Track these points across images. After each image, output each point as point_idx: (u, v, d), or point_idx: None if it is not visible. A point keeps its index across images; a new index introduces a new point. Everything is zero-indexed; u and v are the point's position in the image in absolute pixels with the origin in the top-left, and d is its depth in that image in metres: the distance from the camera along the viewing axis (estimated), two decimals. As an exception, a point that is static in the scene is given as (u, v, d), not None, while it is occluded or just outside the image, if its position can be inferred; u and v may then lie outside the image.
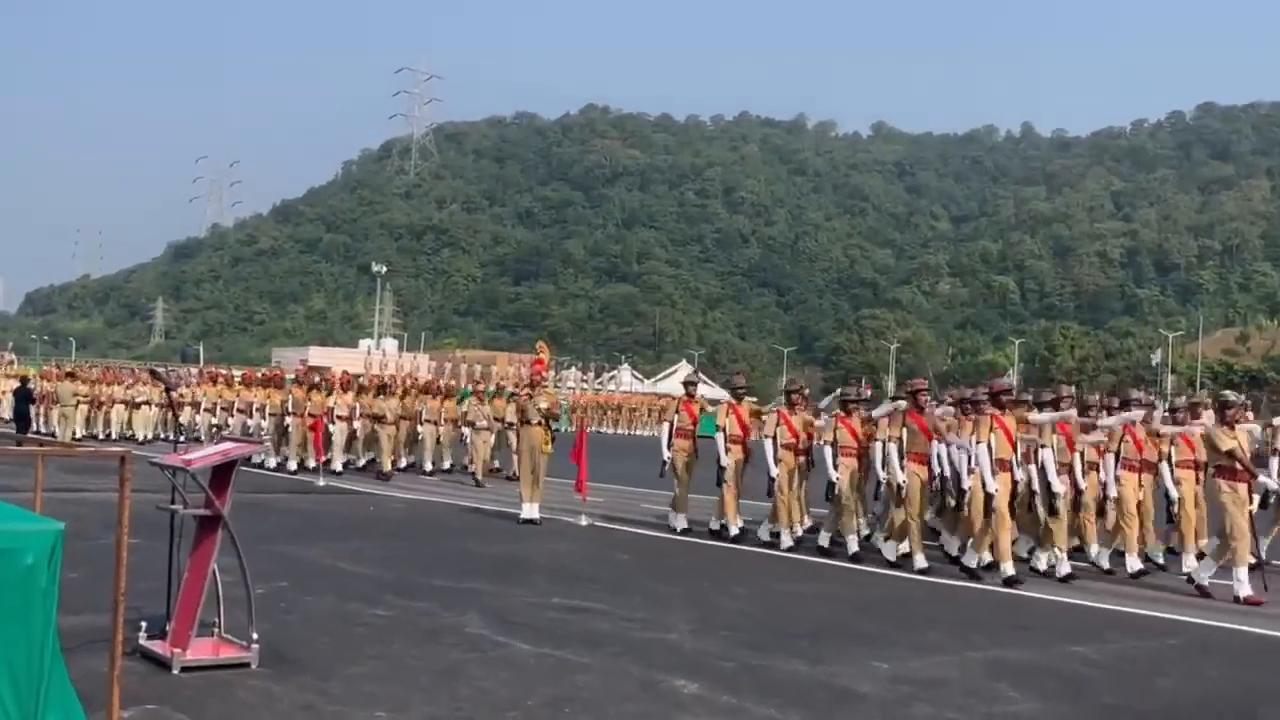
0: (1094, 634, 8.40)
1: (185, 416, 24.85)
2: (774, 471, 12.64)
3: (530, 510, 13.91)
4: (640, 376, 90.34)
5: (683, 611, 8.32)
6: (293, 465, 19.82)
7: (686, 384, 14.82)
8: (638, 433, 57.49)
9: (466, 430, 20.84)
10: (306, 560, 10.06)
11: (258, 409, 21.03)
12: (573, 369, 74.32)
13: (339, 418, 20.17)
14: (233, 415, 21.73)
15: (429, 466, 21.16)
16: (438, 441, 21.42)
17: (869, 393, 13.41)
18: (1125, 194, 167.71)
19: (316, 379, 21.25)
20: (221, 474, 6.14)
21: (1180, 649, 8.18)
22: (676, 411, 14.06)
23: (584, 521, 13.93)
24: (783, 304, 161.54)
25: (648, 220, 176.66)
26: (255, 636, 6.07)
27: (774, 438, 12.70)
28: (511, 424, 18.80)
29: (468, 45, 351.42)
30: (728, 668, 6.65)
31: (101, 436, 27.05)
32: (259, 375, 23.73)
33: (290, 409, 20.04)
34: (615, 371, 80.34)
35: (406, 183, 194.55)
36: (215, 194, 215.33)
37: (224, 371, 27.57)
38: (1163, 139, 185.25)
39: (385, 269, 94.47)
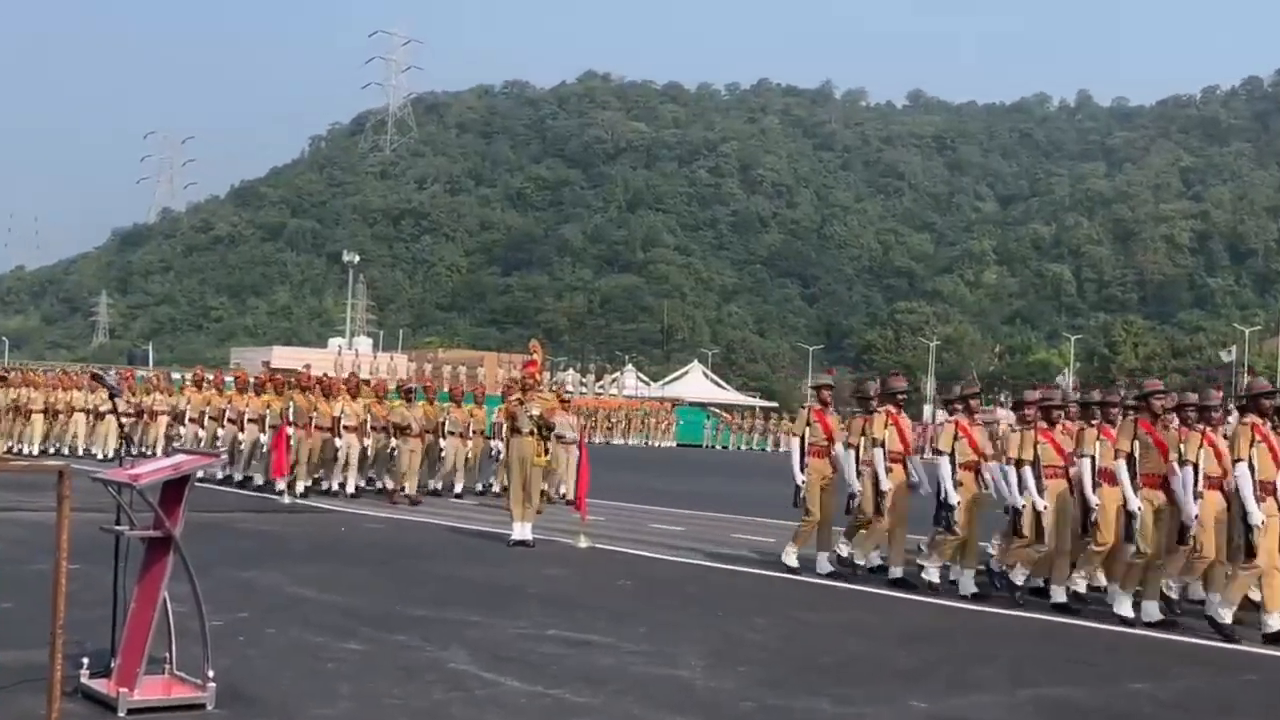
0: (1158, 669, 8.39)
1: (158, 429, 24.81)
2: (856, 487, 12.30)
3: (522, 531, 13.92)
4: (646, 379, 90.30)
5: (694, 644, 8.32)
6: (301, 487, 18.94)
7: (819, 387, 13.48)
8: (654, 443, 57.59)
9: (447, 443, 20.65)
10: (269, 587, 10.06)
11: (252, 419, 20.27)
12: (570, 370, 74.39)
13: (346, 428, 19.16)
14: (223, 426, 20.94)
15: (459, 488, 20.51)
16: (467, 458, 20.69)
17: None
18: (1195, 170, 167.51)
19: (316, 382, 20.46)
20: (173, 491, 6.15)
21: (1258, 686, 8.16)
22: (809, 423, 12.79)
23: (583, 543, 13.93)
24: (807, 296, 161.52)
25: (654, 202, 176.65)
26: (211, 674, 6.08)
27: (882, 445, 12.12)
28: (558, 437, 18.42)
29: (450, 4, 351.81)
30: (745, 708, 6.65)
31: (53, 451, 27.03)
32: (254, 379, 22.50)
33: (292, 418, 19.01)
34: (618, 373, 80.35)
35: (381, 160, 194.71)
36: (165, 174, 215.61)
37: (210, 374, 26.91)
38: (1237, 108, 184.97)
39: (358, 258, 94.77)
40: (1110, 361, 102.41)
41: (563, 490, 19.49)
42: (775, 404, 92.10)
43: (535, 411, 14.34)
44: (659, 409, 63.10)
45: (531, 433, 14.21)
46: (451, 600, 9.79)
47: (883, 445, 12.02)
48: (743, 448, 61.39)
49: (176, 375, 31.81)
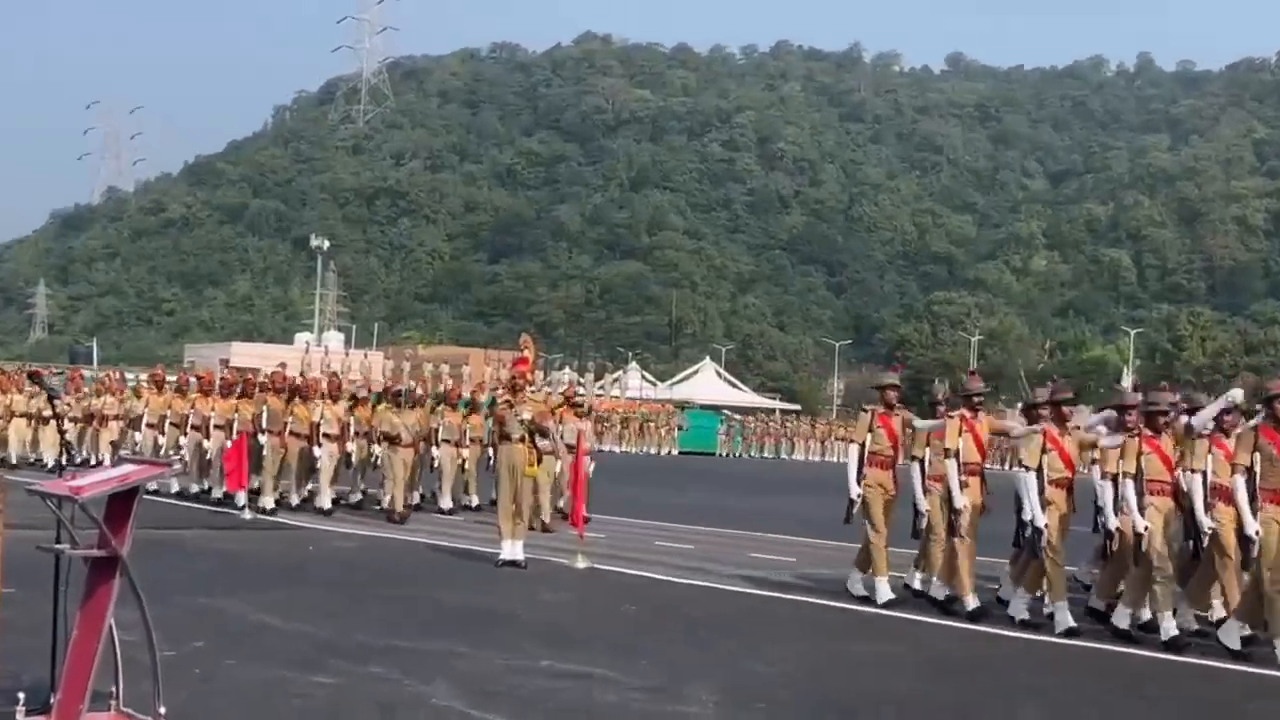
0: (1230, 706, 8.38)
1: (109, 436, 24.78)
2: (923, 505, 12.13)
3: (512, 550, 13.92)
4: (652, 379, 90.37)
5: (705, 678, 8.32)
6: (269, 502, 18.72)
7: (884, 387, 12.88)
8: (652, 450, 57.60)
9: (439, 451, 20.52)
10: (228, 614, 10.08)
11: (219, 425, 19.96)
12: (566, 369, 74.31)
13: (326, 436, 18.91)
14: (185, 433, 20.74)
15: (448, 503, 20.17)
16: (462, 468, 20.49)
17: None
18: (1271, 143, 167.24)
19: (291, 384, 20.09)
20: (120, 505, 6.14)
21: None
22: (870, 429, 12.44)
23: (581, 564, 13.93)
24: (833, 286, 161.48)
25: (661, 180, 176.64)
26: (163, 711, 6.08)
27: (956, 455, 11.87)
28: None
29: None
30: (763, 749, 6.64)
31: None
32: (221, 378, 22.11)
33: (265, 424, 18.84)
34: (620, 373, 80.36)
35: (354, 134, 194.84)
36: (110, 149, 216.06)
37: (173, 374, 26.54)
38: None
39: (327, 243, 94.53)
40: (1174, 358, 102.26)
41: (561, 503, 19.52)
42: (797, 406, 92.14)
43: (526, 415, 14.33)
44: (658, 411, 62.93)
45: (522, 439, 14.22)
46: (433, 628, 9.79)
47: (957, 456, 11.73)
48: (755, 455, 61.37)
49: (130, 376, 31.61)
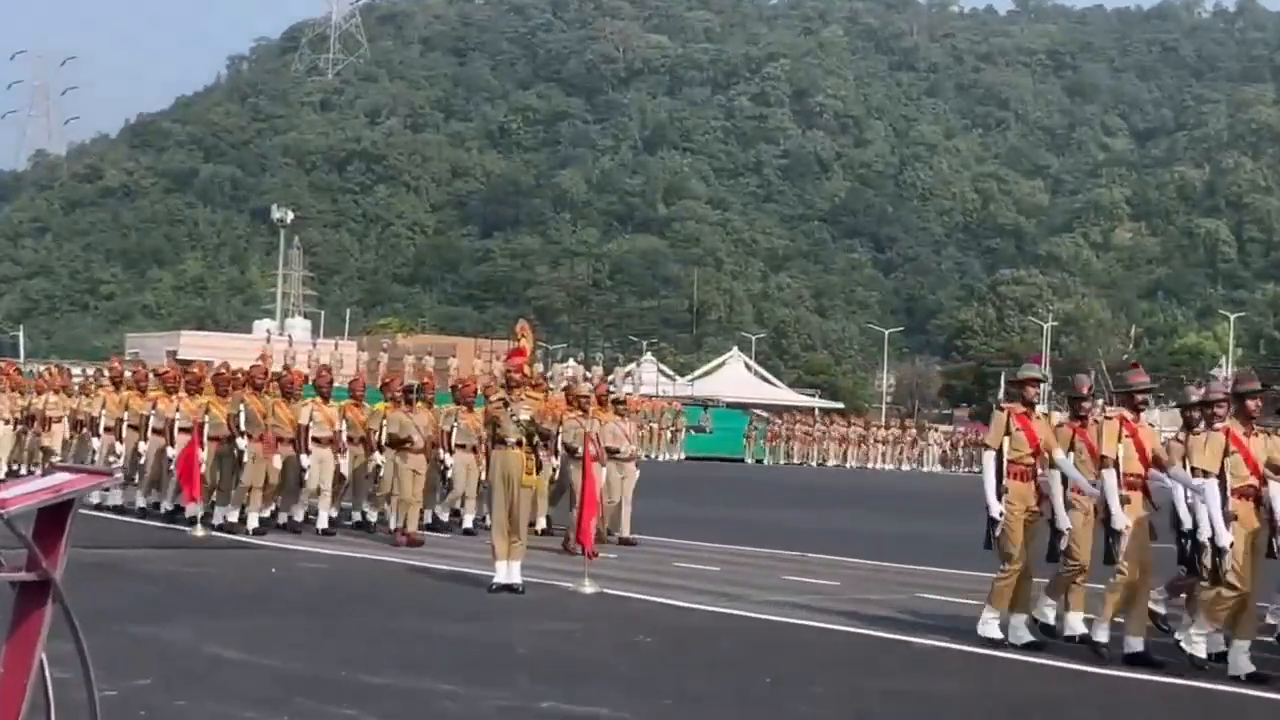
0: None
1: (53, 439, 24.80)
2: (1065, 523, 11.69)
3: (508, 572, 13.92)
4: (671, 372, 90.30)
5: (734, 721, 8.32)
6: (254, 521, 18.43)
7: (1024, 382, 12.45)
8: (655, 455, 57.36)
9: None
10: (178, 646, 10.11)
11: (185, 428, 19.28)
12: (570, 362, 74.29)
13: (316, 441, 18.65)
14: (145, 438, 20.42)
15: (469, 520, 19.78)
16: (480, 479, 19.45)
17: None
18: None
19: (274, 380, 19.86)
20: (52, 521, 6.16)
21: None
22: (1009, 431, 11.92)
23: (589, 588, 13.93)
24: (882, 263, 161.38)
25: (680, 140, 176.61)
26: (103, 760, 6.10)
27: (1116, 465, 11.42)
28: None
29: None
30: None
31: None
32: (187, 374, 21.65)
33: (242, 426, 18.38)
34: (633, 365, 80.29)
35: (322, 87, 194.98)
36: (39, 106, 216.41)
37: (135, 367, 25.69)
38: None
39: (291, 215, 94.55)
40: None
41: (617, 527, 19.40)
42: (839, 404, 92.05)
43: (524, 416, 14.33)
44: (659, 409, 62.34)
45: (519, 443, 14.21)
46: (416, 663, 9.81)
47: (1116, 466, 11.35)
48: (780, 460, 61.33)
49: (77, 371, 31.42)
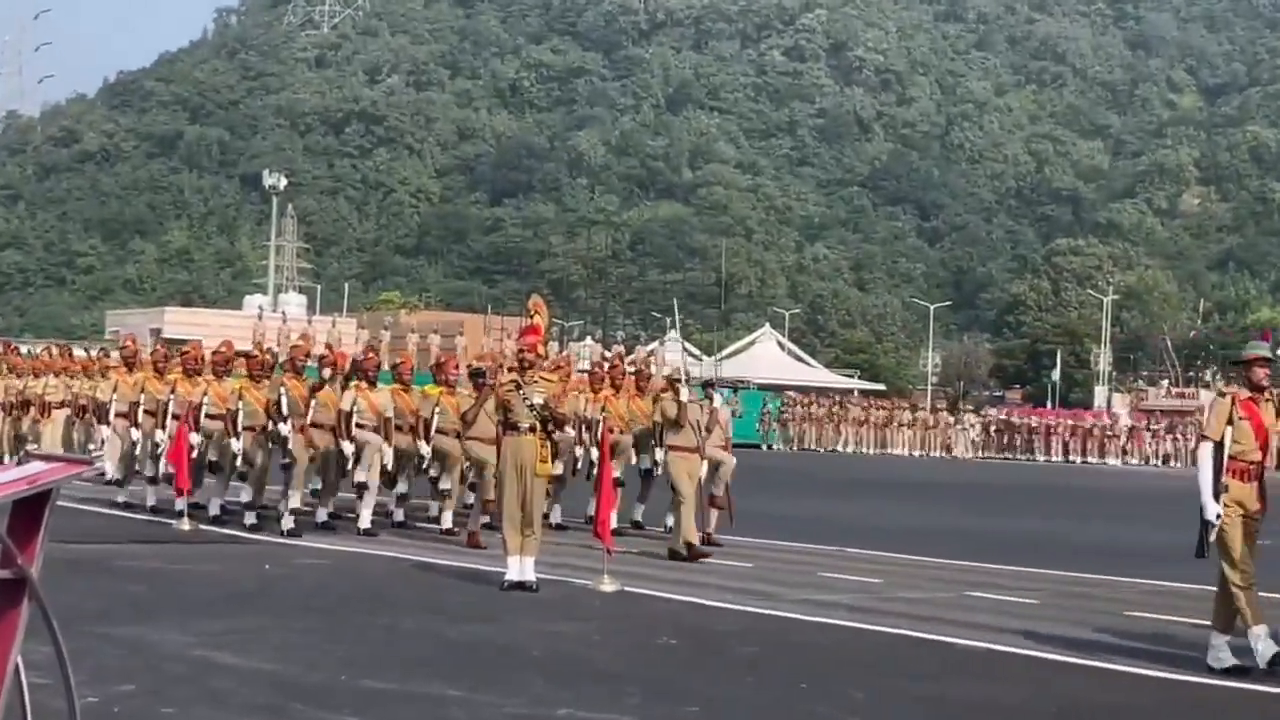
0: None
1: (54, 427, 24.76)
2: (1211, 512, 10.90)
3: (520, 569, 13.95)
4: (697, 352, 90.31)
5: (766, 729, 8.34)
6: (289, 521, 18.00)
7: (1250, 361, 11.56)
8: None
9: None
10: (164, 649, 10.14)
11: (214, 415, 18.90)
12: (588, 340, 74.38)
13: (361, 427, 18.43)
14: (163, 426, 19.73)
15: (449, 519, 19.37)
16: (464, 469, 19.66)
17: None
18: None
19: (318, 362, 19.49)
20: (28, 514, 6.19)
21: None
22: (1231, 420, 11.14)
23: (607, 586, 13.96)
24: (927, 233, 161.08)
25: (707, 98, 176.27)
26: (85, 771, 6.14)
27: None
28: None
29: None
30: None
31: None
32: (214, 353, 20.57)
33: (284, 411, 17.87)
34: (656, 344, 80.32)
35: (318, 42, 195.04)
36: (11, 64, 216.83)
37: (147, 347, 25.21)
38: None
39: (285, 182, 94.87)
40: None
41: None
42: (880, 385, 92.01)
43: (538, 400, 14.35)
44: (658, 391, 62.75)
45: (532, 429, 14.24)
46: (422, 667, 9.85)
47: (1220, 448, 10.95)
48: (796, 447, 61.46)
49: (79, 352, 31.02)
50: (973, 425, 67.60)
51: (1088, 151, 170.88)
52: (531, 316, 16.11)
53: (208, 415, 19.03)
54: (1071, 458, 65.25)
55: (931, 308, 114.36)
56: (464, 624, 12.02)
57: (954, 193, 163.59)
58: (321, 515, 19.17)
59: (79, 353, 29.91)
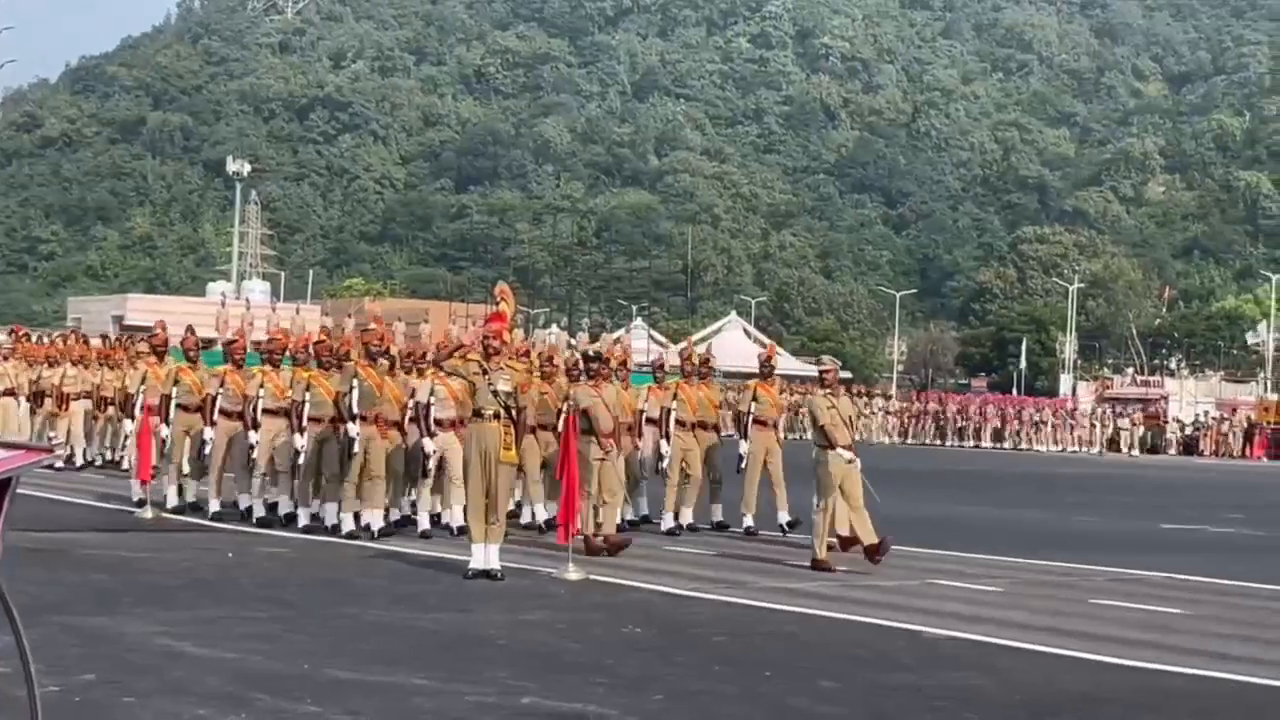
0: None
1: (74, 420, 24.43)
2: None
3: (485, 556, 13.93)
4: (663, 339, 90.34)
5: (733, 718, 8.32)
6: (377, 519, 16.97)
7: None
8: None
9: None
10: (127, 638, 10.11)
11: (271, 409, 17.80)
12: (553, 327, 74.40)
13: (439, 424, 17.18)
14: (211, 423, 18.38)
15: (543, 513, 18.28)
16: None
17: None
18: None
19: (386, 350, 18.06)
20: (-14, 501, 6.13)
21: None
22: None
23: (573, 574, 13.95)
24: (894, 220, 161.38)
25: (673, 85, 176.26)
26: (44, 762, 6.09)
27: None
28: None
29: None
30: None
31: None
32: (266, 340, 19.49)
33: (356, 408, 16.74)
34: (623, 331, 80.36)
35: (281, 27, 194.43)
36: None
37: (177, 332, 22.92)
38: None
39: (248, 168, 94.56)
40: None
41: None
42: (847, 374, 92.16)
43: (503, 387, 14.32)
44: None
45: (496, 416, 14.20)
46: (386, 656, 9.81)
47: None
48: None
49: (96, 341, 29.41)
50: (880, 411, 68.23)
51: (1054, 139, 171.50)
52: (497, 304, 16.07)
53: (265, 410, 17.91)
54: (1004, 444, 65.99)
55: (898, 295, 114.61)
56: (428, 613, 11.99)
57: (920, 180, 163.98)
58: (394, 514, 17.96)
59: (94, 341, 29.16)
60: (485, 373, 14.42)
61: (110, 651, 9.58)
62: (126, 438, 21.07)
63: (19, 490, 5.04)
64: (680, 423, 18.85)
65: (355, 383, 16.73)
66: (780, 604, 13.10)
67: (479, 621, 11.61)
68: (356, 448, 16.73)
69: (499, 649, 10.41)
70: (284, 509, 18.04)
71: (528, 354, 19.67)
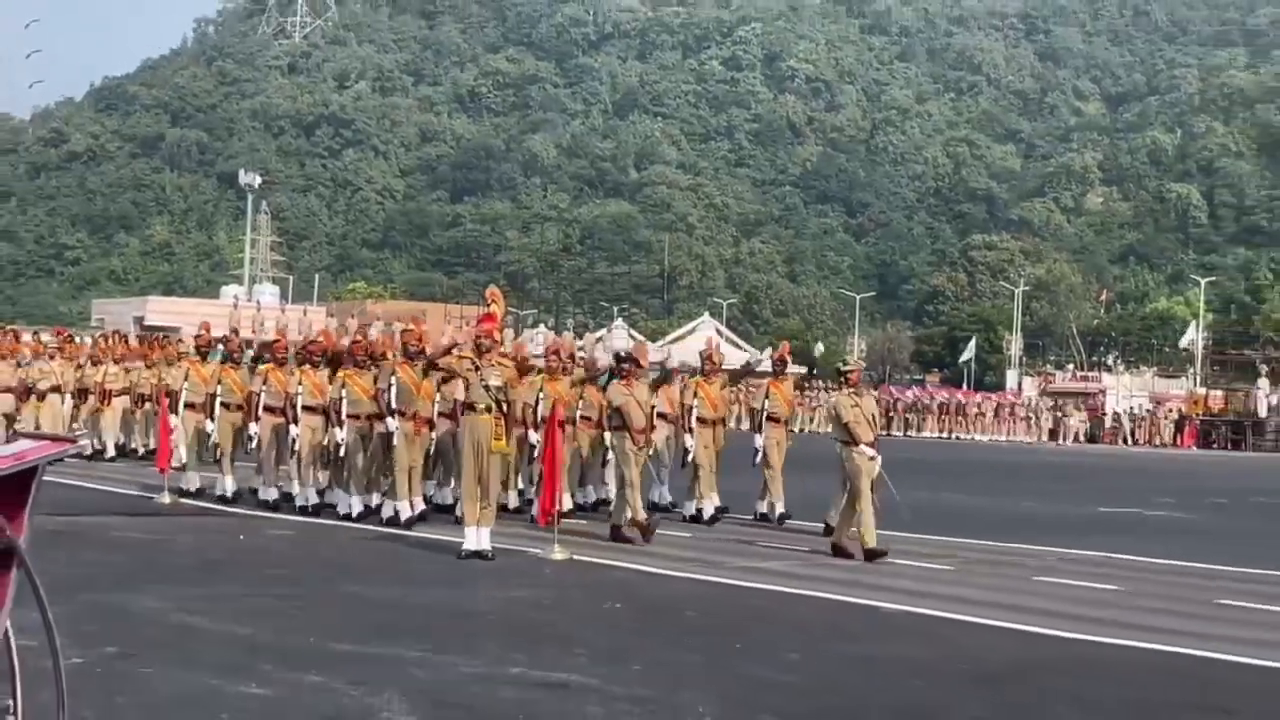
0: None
1: (113, 416, 24.23)
2: None
3: (477, 538, 13.94)
4: (642, 339, 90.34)
5: (703, 688, 8.34)
6: (406, 507, 16.36)
7: None
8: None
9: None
10: (144, 614, 10.11)
11: (311, 406, 17.34)
12: (540, 328, 74.34)
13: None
14: (255, 418, 17.94)
15: (568, 503, 17.43)
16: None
17: None
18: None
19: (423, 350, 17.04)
20: (15, 487, 6.12)
21: None
22: None
23: (558, 554, 13.96)
24: (854, 228, 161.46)
25: (651, 104, 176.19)
26: (68, 728, 6.08)
27: None
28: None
29: None
30: (771, 770, 6.66)
31: None
32: (313, 342, 18.64)
33: (394, 403, 16.22)
34: (605, 331, 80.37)
35: (290, 50, 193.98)
36: (3, 70, 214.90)
37: (222, 333, 22.88)
38: None
39: (259, 180, 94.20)
40: (1253, 311, 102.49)
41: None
42: (812, 369, 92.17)
43: (494, 382, 14.33)
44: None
45: (488, 409, 14.22)
46: (385, 630, 9.81)
47: None
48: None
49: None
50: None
51: (1001, 154, 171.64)
52: (488, 305, 16.05)
53: (304, 407, 17.40)
54: (944, 434, 66.31)
55: (858, 298, 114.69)
56: (424, 590, 11.99)
57: (878, 192, 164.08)
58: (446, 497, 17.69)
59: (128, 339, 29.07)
60: (478, 369, 14.45)
61: (129, 626, 9.58)
62: (172, 431, 20.31)
63: (45, 478, 5.04)
64: (701, 420, 18.53)
65: (393, 380, 16.25)
66: (750, 582, 13.13)
67: (471, 598, 11.61)
68: (396, 441, 16.17)
69: (489, 623, 10.43)
70: (327, 499, 17.67)
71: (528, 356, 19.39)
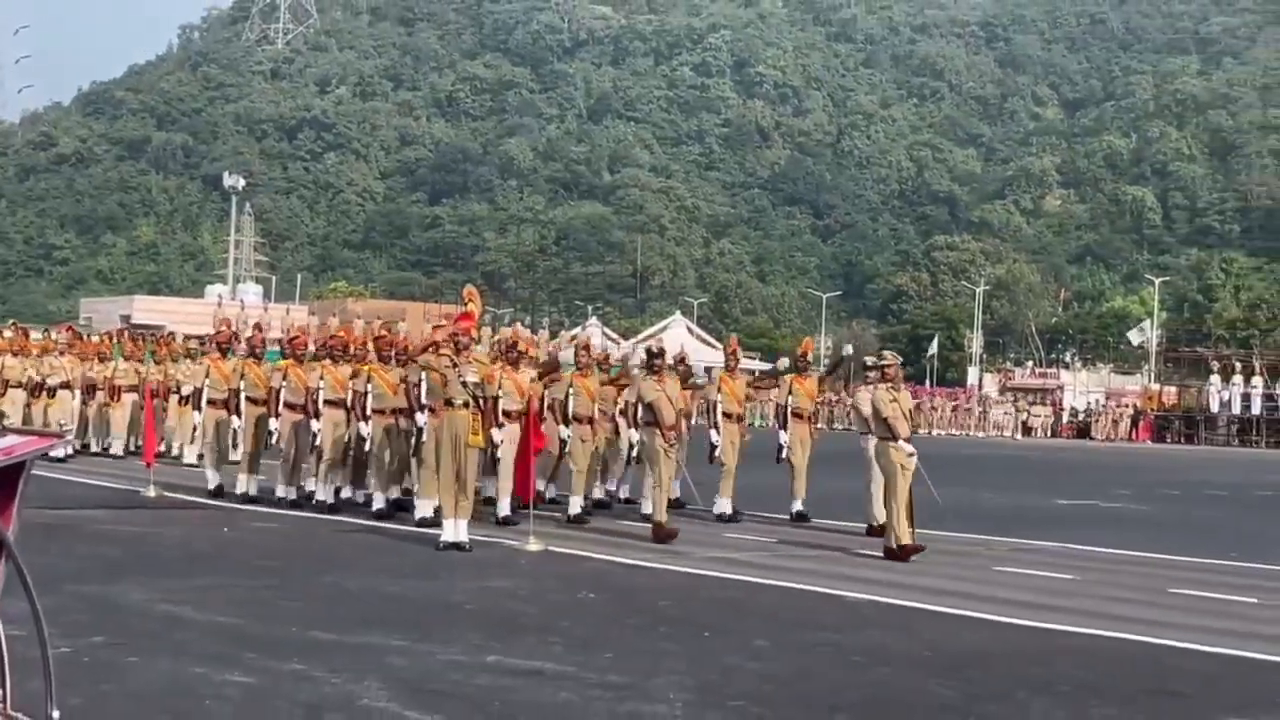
0: (1270, 705, 8.44)
1: (123, 411, 24.03)
2: None
3: (455, 530, 13.93)
4: (615, 336, 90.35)
5: (675, 675, 8.34)
6: (427, 507, 15.43)
7: None
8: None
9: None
10: (131, 605, 10.08)
11: (333, 400, 16.97)
12: (516, 325, 74.47)
13: (507, 415, 16.01)
14: (276, 414, 17.37)
15: (577, 506, 17.24)
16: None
17: None
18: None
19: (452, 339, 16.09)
20: (4, 482, 6.09)
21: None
22: None
23: (534, 545, 13.95)
24: (820, 229, 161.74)
25: (624, 109, 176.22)
26: (56, 714, 6.03)
27: None
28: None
29: None
30: (740, 754, 6.66)
31: None
32: (332, 337, 18.27)
33: (424, 397, 14.96)
34: (579, 329, 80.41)
35: (272, 56, 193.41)
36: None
37: (243, 328, 22.12)
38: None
39: (243, 182, 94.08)
40: (1205, 310, 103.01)
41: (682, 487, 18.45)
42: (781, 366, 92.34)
43: (472, 378, 14.33)
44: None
45: (465, 405, 14.22)
46: (365, 620, 9.79)
47: None
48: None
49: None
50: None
51: (962, 158, 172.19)
52: (466, 304, 16.03)
53: (326, 402, 17.00)
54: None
55: (824, 297, 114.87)
56: (404, 581, 11.97)
57: (844, 195, 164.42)
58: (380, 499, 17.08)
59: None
60: (455, 366, 14.44)
61: (116, 616, 9.56)
62: (195, 429, 20.54)
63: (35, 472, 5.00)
64: (727, 415, 18.24)
65: (424, 376, 15.15)
66: (720, 572, 13.14)
67: (449, 588, 11.60)
68: (425, 437, 15.01)
69: (467, 613, 10.42)
70: (344, 495, 17.51)
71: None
